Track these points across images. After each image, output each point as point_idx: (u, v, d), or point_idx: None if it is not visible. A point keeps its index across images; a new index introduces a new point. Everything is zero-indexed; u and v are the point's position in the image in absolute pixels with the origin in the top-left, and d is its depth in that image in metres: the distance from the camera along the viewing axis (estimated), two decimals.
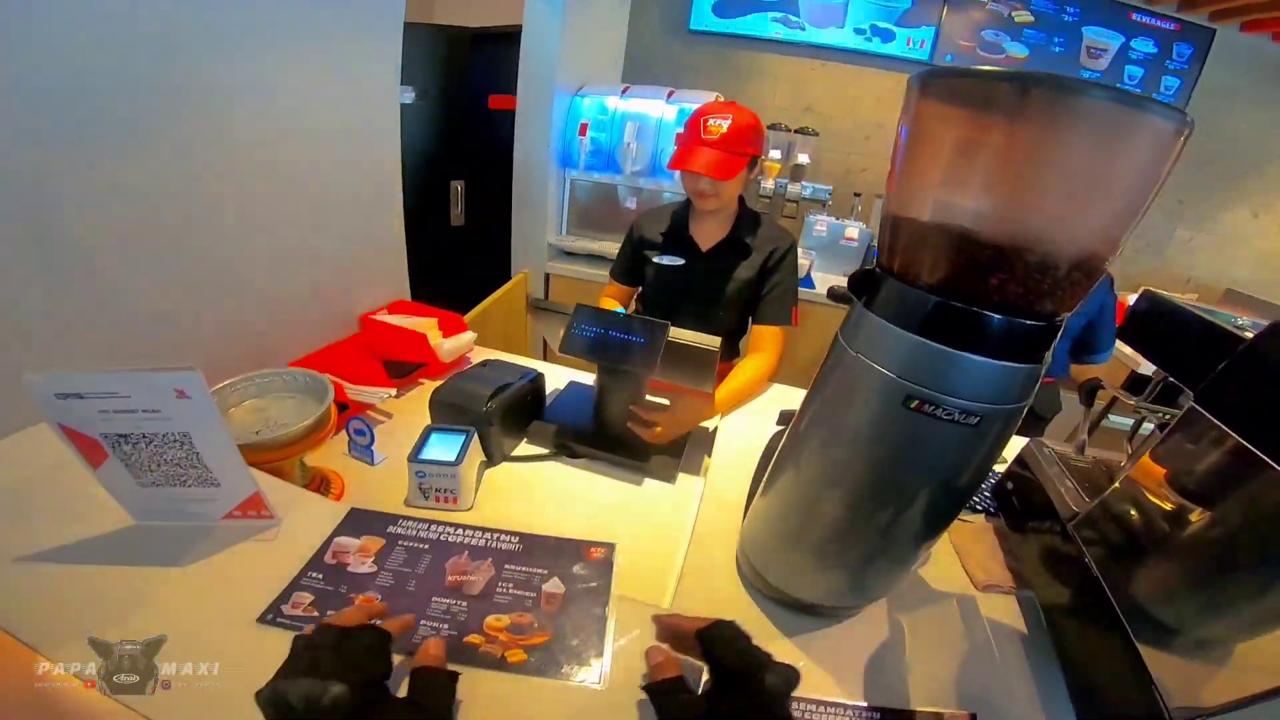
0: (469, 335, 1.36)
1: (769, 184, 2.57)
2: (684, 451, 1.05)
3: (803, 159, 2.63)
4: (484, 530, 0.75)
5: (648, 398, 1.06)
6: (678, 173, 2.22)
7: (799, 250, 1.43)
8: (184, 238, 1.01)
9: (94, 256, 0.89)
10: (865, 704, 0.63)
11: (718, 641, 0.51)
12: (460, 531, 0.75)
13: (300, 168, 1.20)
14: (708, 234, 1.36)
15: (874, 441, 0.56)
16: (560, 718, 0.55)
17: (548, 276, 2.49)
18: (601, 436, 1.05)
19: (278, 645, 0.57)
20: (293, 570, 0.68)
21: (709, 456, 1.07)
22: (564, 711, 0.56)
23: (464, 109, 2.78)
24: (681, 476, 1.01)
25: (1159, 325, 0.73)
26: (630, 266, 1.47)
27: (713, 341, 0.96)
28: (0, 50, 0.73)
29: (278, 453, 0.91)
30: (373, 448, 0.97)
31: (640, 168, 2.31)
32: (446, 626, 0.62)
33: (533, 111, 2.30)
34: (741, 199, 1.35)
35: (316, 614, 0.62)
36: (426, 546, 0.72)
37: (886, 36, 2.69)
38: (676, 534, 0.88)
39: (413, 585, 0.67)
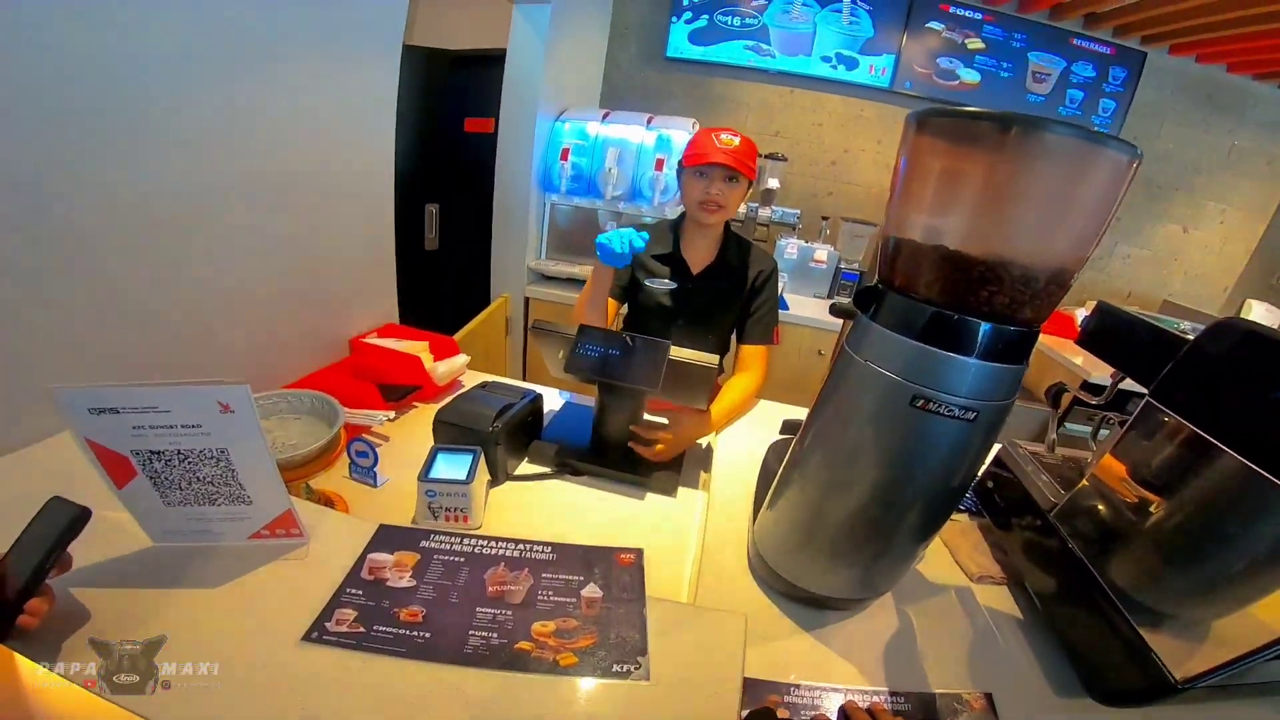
0: (462, 358, 1.38)
1: (741, 209, 2.67)
2: (682, 467, 1.09)
3: (772, 183, 2.73)
4: (516, 542, 0.77)
5: (646, 416, 1.09)
6: (657, 198, 2.33)
7: None
8: (177, 255, 1.01)
9: (89, 276, 0.89)
10: (888, 689, 0.68)
11: None
12: (493, 544, 0.77)
13: (296, 182, 1.21)
14: (699, 256, 1.40)
15: (883, 440, 0.62)
16: (619, 713, 0.59)
17: (527, 300, 2.50)
18: (602, 454, 1.08)
19: (326, 663, 0.59)
20: (330, 588, 0.68)
21: (706, 472, 1.11)
22: (621, 706, 0.59)
23: (440, 132, 2.77)
24: (682, 491, 1.04)
25: (1113, 332, 0.81)
26: (623, 283, 1.45)
27: (711, 359, 0.99)
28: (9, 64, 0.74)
29: (289, 474, 0.91)
30: (375, 469, 0.97)
31: (620, 192, 2.37)
32: (495, 635, 0.64)
33: (515, 135, 2.33)
34: (727, 223, 1.41)
35: (361, 630, 0.63)
36: (462, 559, 0.74)
37: (850, 64, 2.85)
38: (685, 541, 0.92)
39: (455, 597, 0.68)
